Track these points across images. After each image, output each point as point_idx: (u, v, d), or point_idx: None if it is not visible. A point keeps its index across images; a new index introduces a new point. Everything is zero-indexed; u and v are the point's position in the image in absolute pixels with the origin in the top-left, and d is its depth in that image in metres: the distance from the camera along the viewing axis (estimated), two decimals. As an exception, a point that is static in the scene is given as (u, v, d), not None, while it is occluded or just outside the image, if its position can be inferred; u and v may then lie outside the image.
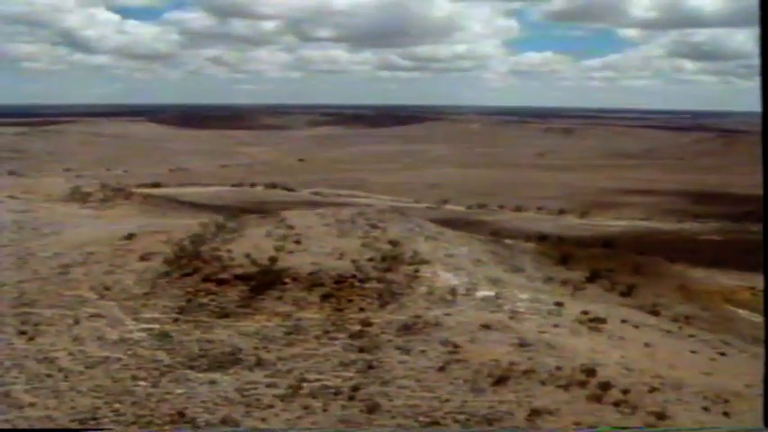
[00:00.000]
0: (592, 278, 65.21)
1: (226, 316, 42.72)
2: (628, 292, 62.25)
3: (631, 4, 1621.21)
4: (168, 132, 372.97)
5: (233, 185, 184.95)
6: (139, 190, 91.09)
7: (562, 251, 73.62)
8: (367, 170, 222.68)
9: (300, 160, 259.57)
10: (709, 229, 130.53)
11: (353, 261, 47.82)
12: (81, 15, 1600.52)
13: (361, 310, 43.01)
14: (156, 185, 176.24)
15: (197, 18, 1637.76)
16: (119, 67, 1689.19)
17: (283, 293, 44.36)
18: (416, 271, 47.74)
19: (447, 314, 43.02)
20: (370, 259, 48.46)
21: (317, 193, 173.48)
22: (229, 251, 49.34)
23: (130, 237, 57.83)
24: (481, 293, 47.05)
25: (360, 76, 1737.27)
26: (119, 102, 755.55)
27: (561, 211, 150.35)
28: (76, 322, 43.36)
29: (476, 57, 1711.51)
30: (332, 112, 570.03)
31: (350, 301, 43.68)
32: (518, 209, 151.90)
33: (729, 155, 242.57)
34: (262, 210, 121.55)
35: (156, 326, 42.38)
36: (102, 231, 62.07)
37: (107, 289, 47.34)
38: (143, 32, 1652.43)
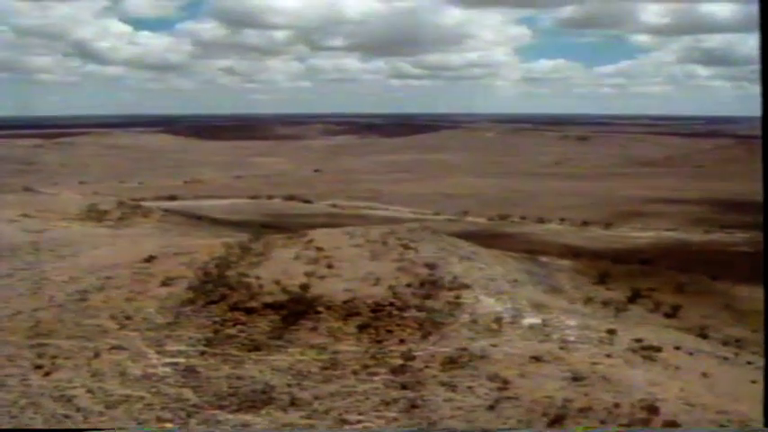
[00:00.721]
0: (633, 298, 62.34)
1: (256, 349, 39.78)
2: (673, 314, 59.30)
3: (643, 11, 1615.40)
4: (182, 143, 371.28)
5: (250, 198, 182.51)
6: (157, 204, 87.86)
7: (599, 268, 70.79)
8: (383, 181, 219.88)
9: (316, 171, 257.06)
10: (739, 241, 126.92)
11: (390, 287, 44.82)
12: (94, 27, 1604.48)
13: (402, 341, 40.02)
14: (173, 198, 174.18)
15: (209, 28, 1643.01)
16: (131, 77, 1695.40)
17: (317, 324, 41.39)
18: (457, 297, 44.74)
19: (493, 345, 40.02)
20: (408, 285, 45.46)
21: (334, 206, 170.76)
22: (258, 277, 46.42)
23: (150, 259, 55.09)
24: (527, 321, 44.00)
25: (371, 85, 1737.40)
26: (132, 112, 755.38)
27: (585, 222, 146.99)
28: (96, 355, 40.57)
29: (487, 64, 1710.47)
30: (345, 121, 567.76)
31: (389, 331, 40.69)
32: (540, 220, 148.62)
33: (751, 162, 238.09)
34: (281, 224, 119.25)
35: (182, 360, 39.50)
36: (121, 253, 59.31)
37: (128, 318, 44.53)
38: (155, 43, 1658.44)
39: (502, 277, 56.79)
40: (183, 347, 40.55)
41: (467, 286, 46.78)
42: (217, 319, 42.70)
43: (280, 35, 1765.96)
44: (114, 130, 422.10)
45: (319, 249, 51.53)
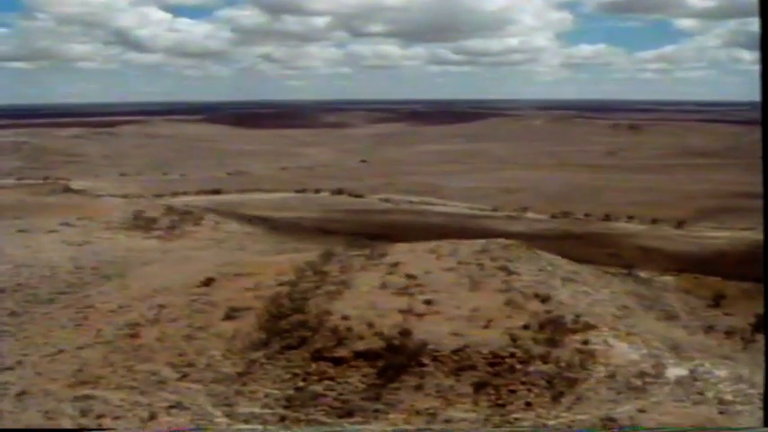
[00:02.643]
0: (757, 327, 54.11)
1: (349, 414, 32.13)
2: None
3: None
4: (223, 132, 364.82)
5: (297, 191, 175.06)
6: (203, 198, 79.66)
7: (709, 287, 62.66)
8: (433, 173, 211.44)
9: (362, 161, 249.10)
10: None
11: (507, 331, 36.89)
12: (134, 15, 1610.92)
13: (529, 405, 32.20)
14: (217, 192, 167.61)
15: (248, 15, 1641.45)
16: (171, 65, 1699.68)
17: (423, 380, 33.60)
18: (586, 342, 36.81)
19: (641, 411, 32.09)
20: (526, 327, 37.55)
21: (387, 200, 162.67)
22: (344, 317, 38.65)
23: (209, 282, 47.91)
24: (672, 372, 35.95)
25: (410, 72, 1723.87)
26: (171, 99, 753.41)
27: (654, 220, 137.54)
28: (152, 417, 33.26)
29: (528, 50, 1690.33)
30: (386, 108, 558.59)
31: (512, 392, 32.87)
32: (606, 217, 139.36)
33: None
34: (339, 226, 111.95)
35: (258, 427, 32.03)
36: (174, 272, 52.10)
37: (190, 365, 37.12)
38: (195, 30, 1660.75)
39: (611, 302, 49.05)
40: (258, 409, 33.06)
41: (593, 327, 38.79)
42: (298, 371, 35.12)
43: (319, 21, 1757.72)
44: (154, 118, 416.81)
45: (410, 277, 43.75)
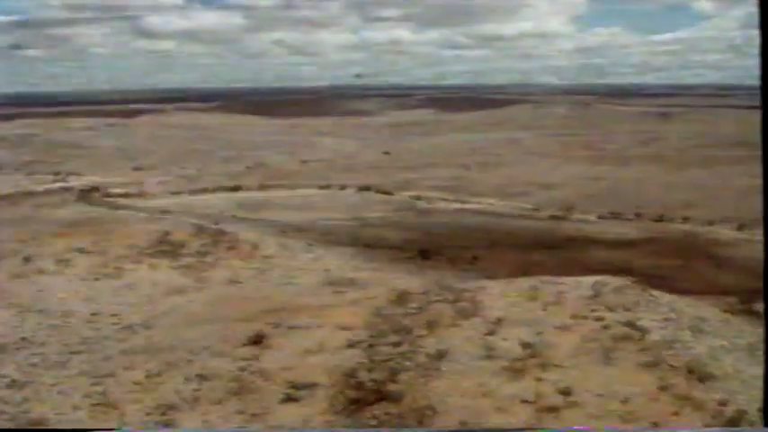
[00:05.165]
0: None
1: None
2: None
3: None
4: (239, 122, 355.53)
5: (320, 188, 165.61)
6: (243, 235, 69.37)
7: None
8: (462, 166, 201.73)
9: (385, 153, 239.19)
10: None
11: (684, 443, 27.12)
12: (146, 0, 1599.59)
13: None
14: (237, 189, 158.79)
15: (261, 0, 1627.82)
16: (183, 52, 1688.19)
17: None
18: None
19: None
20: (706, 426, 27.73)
21: (418, 198, 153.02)
22: (453, 412, 28.88)
23: (258, 340, 38.30)
24: None
25: (424, 56, 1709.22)
26: (183, 86, 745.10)
27: (710, 222, 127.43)
28: None
29: (542, 34, 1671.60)
30: (402, 93, 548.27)
31: None
32: (659, 218, 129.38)
33: None
34: (372, 229, 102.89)
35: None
36: (211, 321, 42.43)
37: (247, 482, 27.53)
38: (207, 16, 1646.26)
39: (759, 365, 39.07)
40: None
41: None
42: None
43: (333, 6, 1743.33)
44: (167, 107, 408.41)
45: (523, 345, 33.84)
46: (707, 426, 27.73)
